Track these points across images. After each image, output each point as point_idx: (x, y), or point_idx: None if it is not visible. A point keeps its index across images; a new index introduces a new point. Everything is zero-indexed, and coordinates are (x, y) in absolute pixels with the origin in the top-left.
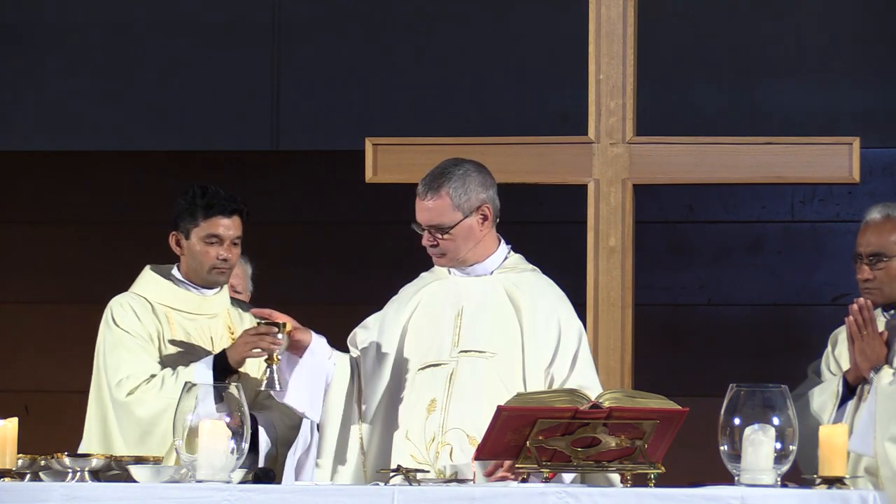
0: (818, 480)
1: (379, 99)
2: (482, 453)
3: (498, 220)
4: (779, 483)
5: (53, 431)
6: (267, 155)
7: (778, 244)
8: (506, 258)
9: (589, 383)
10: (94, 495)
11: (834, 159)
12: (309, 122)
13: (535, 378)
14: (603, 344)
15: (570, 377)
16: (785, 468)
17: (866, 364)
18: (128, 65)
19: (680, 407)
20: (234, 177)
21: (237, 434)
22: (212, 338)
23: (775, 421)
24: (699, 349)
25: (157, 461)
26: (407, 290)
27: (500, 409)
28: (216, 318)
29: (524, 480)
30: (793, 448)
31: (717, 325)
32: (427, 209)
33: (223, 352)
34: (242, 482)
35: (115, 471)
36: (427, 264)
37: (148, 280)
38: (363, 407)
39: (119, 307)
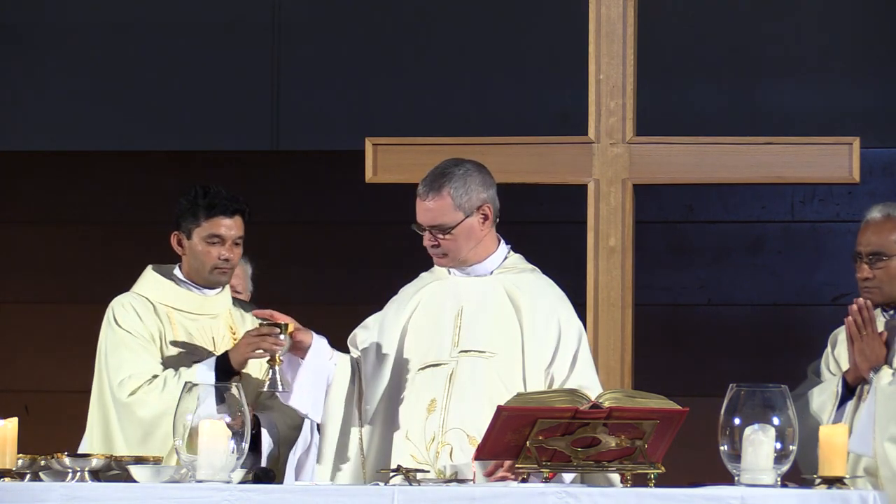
0: (818, 480)
1: (379, 99)
2: (482, 453)
3: (498, 219)
4: (779, 483)
5: (53, 431)
6: (267, 155)
7: (778, 244)
8: (505, 258)
9: (589, 383)
10: (94, 495)
11: (834, 159)
12: (309, 122)
13: (535, 378)
14: (603, 344)
15: (570, 377)
16: (785, 468)
17: (866, 364)
18: (128, 65)
19: (680, 407)
20: (234, 177)
21: (237, 434)
22: (213, 338)
23: (775, 421)
24: (699, 349)
25: (156, 461)
26: (407, 291)
27: (500, 409)
28: (218, 318)
29: (524, 480)
30: (793, 448)
31: (717, 325)
32: (428, 209)
33: (225, 353)
34: (242, 482)
35: (115, 471)
36: (427, 264)
37: (150, 280)
38: (364, 407)
39: (121, 307)
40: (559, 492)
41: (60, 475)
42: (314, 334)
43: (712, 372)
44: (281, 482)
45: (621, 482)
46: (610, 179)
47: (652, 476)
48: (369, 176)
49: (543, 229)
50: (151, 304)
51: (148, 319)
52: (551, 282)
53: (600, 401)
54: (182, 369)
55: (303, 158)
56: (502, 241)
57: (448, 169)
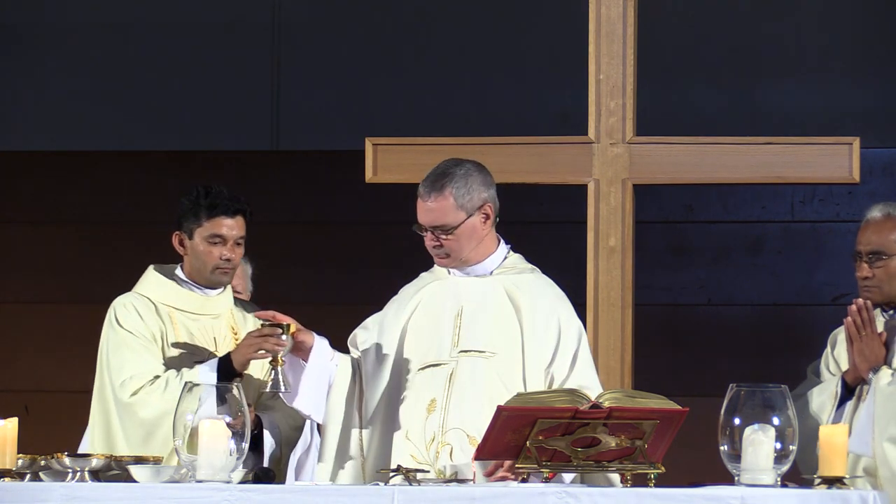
0: (818, 480)
1: (379, 99)
2: (482, 453)
3: (498, 219)
4: (779, 483)
5: (53, 431)
6: (267, 155)
7: (778, 244)
8: (505, 258)
9: (589, 383)
10: (94, 495)
11: (834, 159)
12: (309, 122)
13: (534, 378)
14: (603, 344)
15: (570, 377)
16: (785, 468)
17: (865, 365)
18: (128, 65)
19: (680, 407)
20: (234, 177)
21: (237, 434)
22: (215, 338)
23: (775, 421)
24: (699, 349)
25: (156, 461)
26: (407, 291)
27: (500, 409)
28: (219, 318)
29: (524, 480)
30: (793, 448)
31: (717, 325)
32: (430, 210)
33: (227, 354)
34: (242, 482)
35: (115, 471)
36: (427, 264)
37: (151, 280)
38: (364, 407)
39: (122, 307)
40: (559, 492)
41: (60, 475)
42: (315, 335)
43: (712, 372)
44: (282, 482)
45: (621, 482)
46: (610, 179)
47: (652, 476)
48: (369, 176)
49: (543, 229)
50: (153, 304)
51: (150, 320)
52: (551, 282)
53: (600, 401)
54: (184, 370)
55: (303, 158)
56: (502, 241)
57: (449, 169)
